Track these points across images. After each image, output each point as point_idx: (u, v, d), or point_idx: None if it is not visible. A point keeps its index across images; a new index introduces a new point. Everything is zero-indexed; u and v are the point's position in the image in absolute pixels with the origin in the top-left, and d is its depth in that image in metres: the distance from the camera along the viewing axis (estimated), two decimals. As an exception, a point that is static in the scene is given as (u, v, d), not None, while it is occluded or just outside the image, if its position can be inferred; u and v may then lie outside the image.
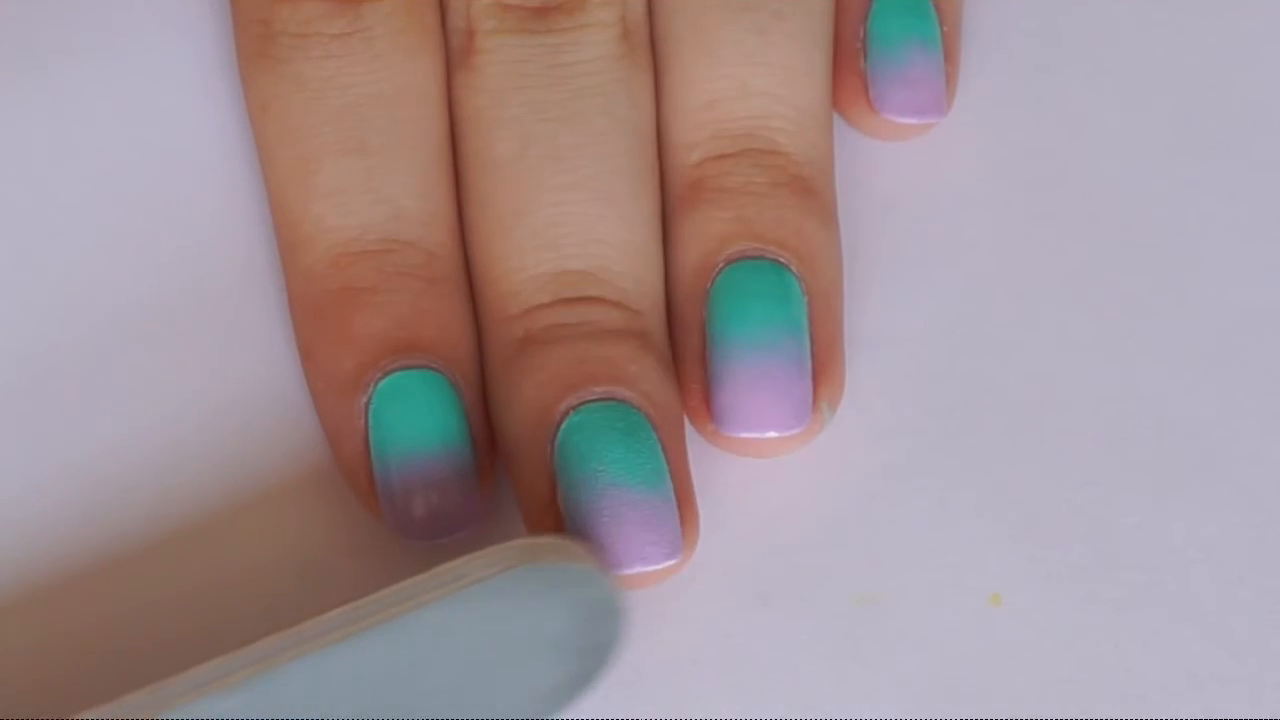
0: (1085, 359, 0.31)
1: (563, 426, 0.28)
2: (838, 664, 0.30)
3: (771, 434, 0.29)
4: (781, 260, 0.30)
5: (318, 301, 0.29)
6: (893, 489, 0.30)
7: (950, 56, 0.32)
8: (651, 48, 0.31)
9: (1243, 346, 0.31)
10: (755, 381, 0.29)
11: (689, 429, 0.30)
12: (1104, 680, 0.29)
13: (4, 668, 0.29)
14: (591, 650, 0.27)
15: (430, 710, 0.27)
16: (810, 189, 0.30)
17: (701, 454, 0.30)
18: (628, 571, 0.28)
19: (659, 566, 0.28)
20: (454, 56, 0.30)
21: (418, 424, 0.29)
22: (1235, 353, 0.31)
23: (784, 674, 0.29)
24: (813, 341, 0.29)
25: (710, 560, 0.30)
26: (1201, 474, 0.31)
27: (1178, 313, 0.32)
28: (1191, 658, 0.30)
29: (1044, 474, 0.31)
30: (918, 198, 0.32)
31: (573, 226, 0.29)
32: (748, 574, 0.30)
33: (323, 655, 0.26)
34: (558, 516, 0.28)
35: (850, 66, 0.32)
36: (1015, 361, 0.31)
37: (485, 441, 0.29)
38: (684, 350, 0.30)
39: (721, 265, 0.30)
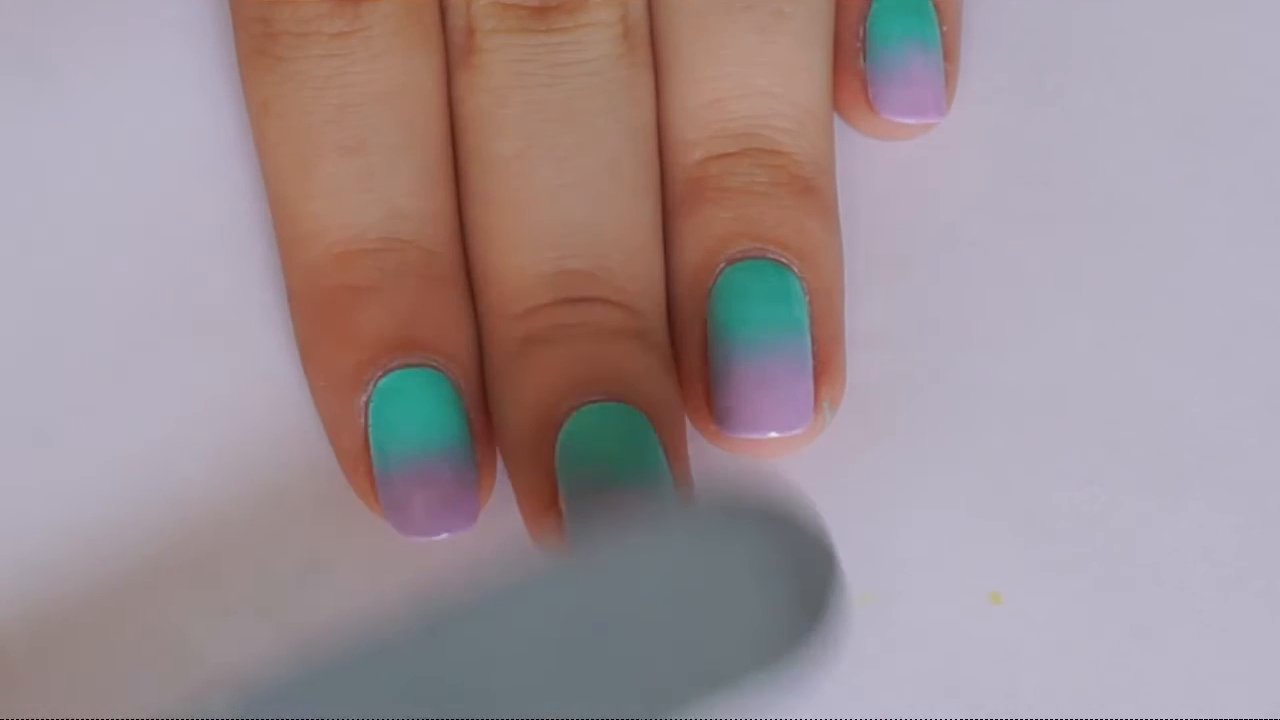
0: (1085, 358, 0.31)
1: (565, 427, 0.28)
2: (837, 665, 0.29)
3: (773, 435, 0.29)
4: (783, 260, 0.30)
5: (318, 299, 0.29)
6: (893, 489, 0.30)
7: (950, 56, 0.32)
8: (653, 46, 0.31)
9: (1243, 345, 0.31)
10: (757, 382, 0.29)
11: (689, 429, 0.30)
12: (1104, 680, 0.29)
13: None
14: (802, 601, 0.24)
15: (634, 647, 0.24)
16: (811, 188, 0.30)
17: (701, 452, 0.30)
18: None
19: None
20: (454, 55, 0.30)
21: (418, 422, 0.29)
22: (1235, 352, 0.31)
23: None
24: (814, 341, 0.29)
25: (710, 560, 0.30)
26: (1201, 474, 0.31)
27: (1178, 312, 0.32)
28: (1191, 658, 0.30)
29: (1044, 473, 0.31)
30: (917, 196, 0.32)
31: (574, 226, 0.29)
32: (748, 574, 0.30)
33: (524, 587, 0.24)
34: (559, 517, 0.28)
35: (850, 66, 0.31)
36: (1015, 360, 0.31)
37: (485, 439, 0.29)
38: (685, 350, 0.30)
39: (723, 265, 0.30)
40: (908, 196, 0.32)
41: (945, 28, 0.32)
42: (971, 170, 0.32)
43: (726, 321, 0.29)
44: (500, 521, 0.30)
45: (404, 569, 0.30)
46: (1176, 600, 0.30)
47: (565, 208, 0.29)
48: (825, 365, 0.30)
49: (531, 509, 0.29)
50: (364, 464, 0.29)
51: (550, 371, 0.29)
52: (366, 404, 0.29)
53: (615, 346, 0.29)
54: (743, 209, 0.30)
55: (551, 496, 0.28)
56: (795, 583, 0.24)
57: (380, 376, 0.29)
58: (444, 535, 0.29)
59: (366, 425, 0.29)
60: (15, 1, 0.32)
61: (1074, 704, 0.29)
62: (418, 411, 0.29)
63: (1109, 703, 0.29)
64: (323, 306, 0.29)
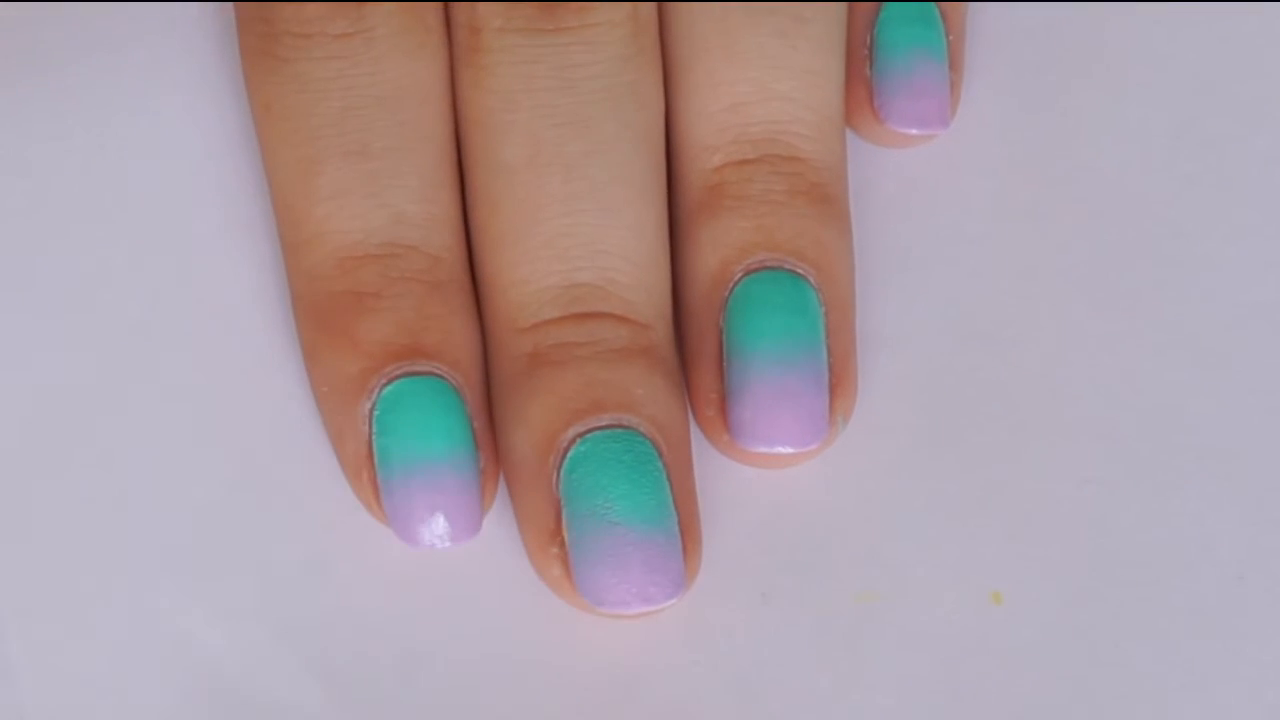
0: (1085, 358, 0.31)
1: (569, 455, 0.28)
2: (838, 664, 0.30)
3: (788, 450, 0.29)
4: (799, 272, 0.29)
5: (321, 305, 0.29)
6: (893, 488, 0.30)
7: (955, 64, 0.31)
8: (669, 48, 0.30)
9: (1244, 345, 0.31)
10: (774, 397, 0.29)
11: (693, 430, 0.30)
12: (1104, 680, 0.30)
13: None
14: None
15: None
16: (827, 196, 0.30)
17: (702, 453, 0.30)
18: (630, 611, 0.28)
19: (661, 606, 0.28)
20: (460, 53, 0.30)
21: (422, 430, 0.28)
22: (1236, 351, 0.31)
23: (784, 674, 0.29)
24: (829, 353, 0.29)
25: (710, 560, 0.30)
26: (1201, 473, 0.31)
27: (1179, 311, 0.32)
28: (1192, 657, 0.30)
29: (1044, 473, 0.31)
30: (918, 197, 0.32)
31: (581, 237, 0.29)
32: (748, 574, 0.30)
33: None
34: (561, 546, 0.28)
35: (857, 74, 0.31)
36: (1015, 360, 0.31)
37: (489, 447, 0.29)
38: (699, 360, 0.30)
39: (740, 275, 0.29)
40: (908, 197, 0.32)
41: (951, 36, 0.31)
42: (972, 170, 0.32)
43: (743, 334, 0.29)
44: (502, 526, 0.30)
45: (405, 573, 0.30)
46: (1177, 599, 0.30)
47: (574, 218, 0.29)
48: (840, 378, 0.29)
49: (534, 538, 0.29)
50: (367, 471, 0.29)
51: (556, 395, 0.28)
52: (370, 411, 0.29)
53: (622, 369, 0.29)
54: (761, 218, 0.30)
55: (554, 527, 0.28)
56: None
57: (384, 384, 0.29)
58: (447, 544, 0.28)
59: (370, 433, 0.29)
60: (15, 1, 0.32)
61: (1074, 704, 0.29)
62: (421, 419, 0.28)
63: (1109, 703, 0.29)
64: (326, 312, 0.29)
